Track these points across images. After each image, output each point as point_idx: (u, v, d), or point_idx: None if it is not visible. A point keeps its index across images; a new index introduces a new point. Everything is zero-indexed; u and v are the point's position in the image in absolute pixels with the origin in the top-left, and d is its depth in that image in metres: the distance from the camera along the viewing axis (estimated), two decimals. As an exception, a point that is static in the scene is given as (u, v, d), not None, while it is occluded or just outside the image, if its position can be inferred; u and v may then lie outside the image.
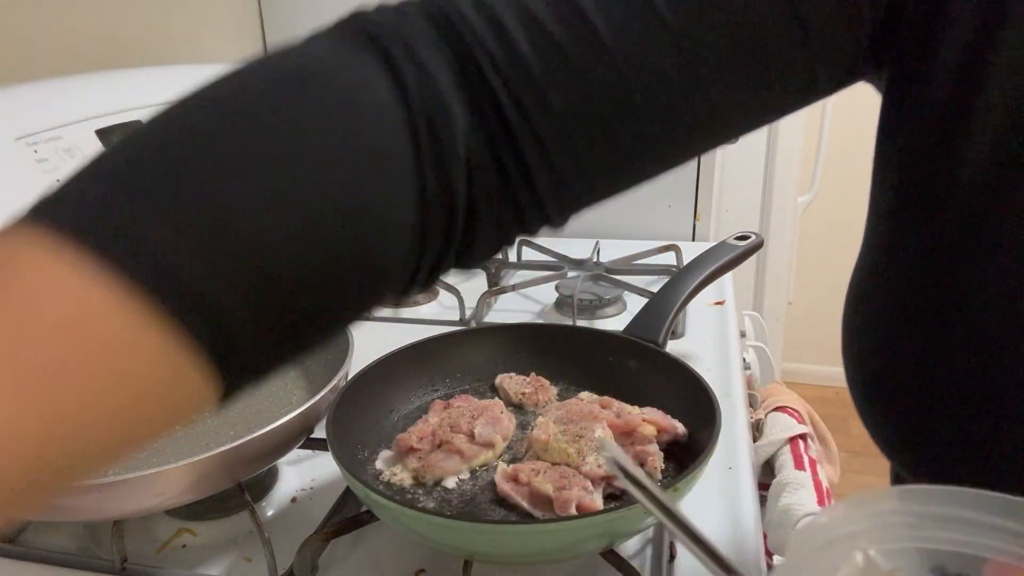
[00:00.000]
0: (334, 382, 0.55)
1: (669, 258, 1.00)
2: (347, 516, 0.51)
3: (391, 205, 0.29)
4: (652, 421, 0.55)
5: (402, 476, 0.53)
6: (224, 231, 0.25)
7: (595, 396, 0.60)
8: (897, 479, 0.46)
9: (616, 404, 0.57)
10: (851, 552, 0.28)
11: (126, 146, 0.26)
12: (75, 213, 0.24)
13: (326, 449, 0.50)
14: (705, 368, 0.75)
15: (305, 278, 0.27)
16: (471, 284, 0.96)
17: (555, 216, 0.36)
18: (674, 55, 0.32)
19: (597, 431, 0.52)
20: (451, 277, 0.95)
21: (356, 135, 0.28)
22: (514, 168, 0.32)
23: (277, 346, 0.27)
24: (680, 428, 0.55)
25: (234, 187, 0.25)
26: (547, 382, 0.63)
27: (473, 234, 0.33)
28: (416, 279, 0.32)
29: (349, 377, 0.58)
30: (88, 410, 0.22)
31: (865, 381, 0.41)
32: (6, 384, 0.21)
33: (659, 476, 0.52)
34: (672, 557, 0.51)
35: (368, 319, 0.31)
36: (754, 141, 1.68)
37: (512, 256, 1.04)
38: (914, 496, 0.29)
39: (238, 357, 0.26)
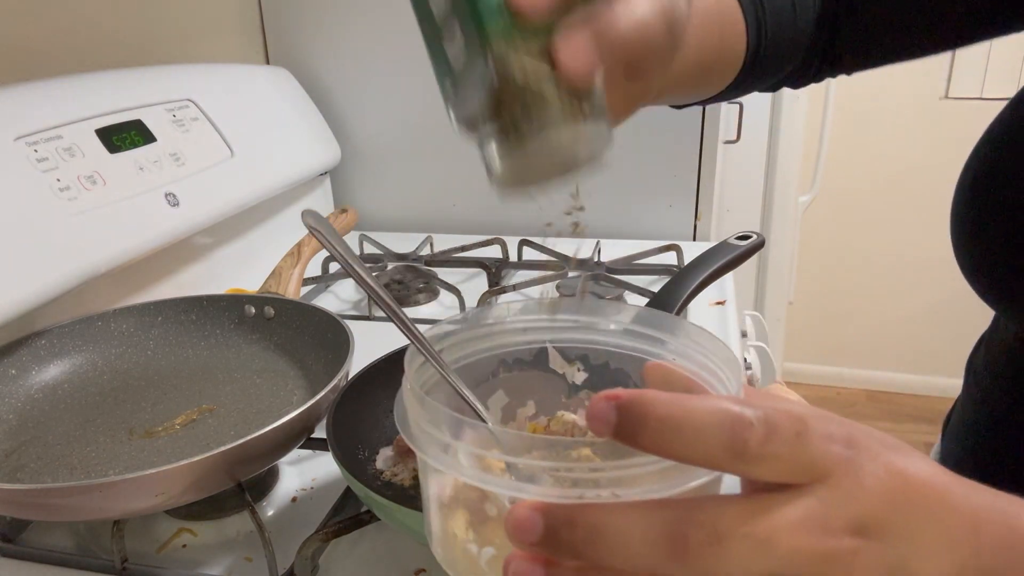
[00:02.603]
0: (334, 382, 0.55)
1: (670, 258, 1.00)
2: (347, 516, 0.51)
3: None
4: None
5: (402, 476, 0.53)
6: None
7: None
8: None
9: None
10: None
11: None
12: None
13: (326, 449, 0.50)
14: (706, 368, 0.74)
15: None
16: (471, 284, 0.96)
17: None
18: None
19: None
20: (452, 276, 0.95)
21: None
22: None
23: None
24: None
25: None
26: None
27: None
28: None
29: (349, 377, 0.58)
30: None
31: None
32: None
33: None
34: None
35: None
36: (755, 140, 1.68)
37: (513, 255, 1.04)
38: (581, 308, 0.40)
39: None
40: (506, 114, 0.29)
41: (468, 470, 0.30)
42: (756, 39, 0.51)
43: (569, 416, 0.42)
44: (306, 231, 0.98)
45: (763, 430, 0.25)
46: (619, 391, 0.25)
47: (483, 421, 0.37)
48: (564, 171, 0.32)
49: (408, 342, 0.37)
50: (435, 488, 0.34)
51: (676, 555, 0.24)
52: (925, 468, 0.27)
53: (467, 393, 0.37)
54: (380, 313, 0.90)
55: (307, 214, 0.38)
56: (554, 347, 0.42)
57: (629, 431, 0.25)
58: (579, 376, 0.43)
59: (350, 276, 0.37)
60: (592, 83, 0.30)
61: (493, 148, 0.30)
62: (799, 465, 0.25)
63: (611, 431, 0.25)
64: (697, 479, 0.28)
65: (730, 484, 0.29)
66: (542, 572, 0.26)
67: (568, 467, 0.27)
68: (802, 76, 0.58)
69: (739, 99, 0.57)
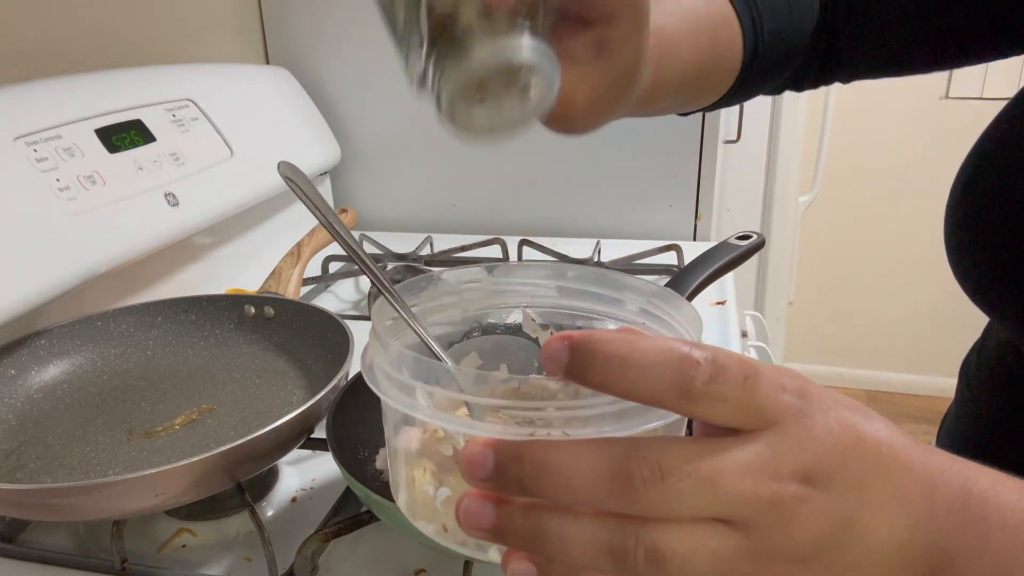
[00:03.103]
0: (334, 382, 0.55)
1: (670, 258, 1.00)
2: (347, 516, 0.51)
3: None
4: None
5: (402, 476, 0.53)
6: None
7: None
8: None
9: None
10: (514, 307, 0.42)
11: None
12: None
13: (326, 449, 0.50)
14: (706, 368, 0.74)
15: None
16: (472, 284, 0.96)
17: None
18: None
19: None
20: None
21: None
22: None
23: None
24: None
25: None
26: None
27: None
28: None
29: (349, 377, 0.58)
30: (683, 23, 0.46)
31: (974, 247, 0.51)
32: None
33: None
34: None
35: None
36: (755, 140, 1.68)
37: (513, 255, 1.04)
38: (554, 272, 0.41)
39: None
40: (440, 45, 0.31)
41: (426, 409, 0.30)
42: (752, 45, 0.51)
43: (541, 379, 0.43)
44: (305, 231, 0.98)
45: (710, 370, 0.25)
46: (572, 332, 0.25)
47: (443, 361, 0.37)
48: (516, 113, 0.34)
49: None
50: (402, 438, 0.34)
51: (620, 491, 0.24)
52: (881, 428, 0.27)
53: (429, 339, 0.37)
54: (380, 313, 0.90)
55: (283, 165, 0.38)
56: (528, 311, 0.42)
57: (579, 369, 0.25)
58: None
59: (325, 229, 0.37)
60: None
61: (437, 84, 0.32)
62: (747, 409, 0.25)
63: (563, 369, 0.25)
64: (650, 422, 0.28)
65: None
66: (492, 508, 0.26)
67: (522, 406, 0.28)
68: (801, 81, 0.58)
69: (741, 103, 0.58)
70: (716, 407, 0.25)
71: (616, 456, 0.25)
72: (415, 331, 0.37)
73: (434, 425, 0.33)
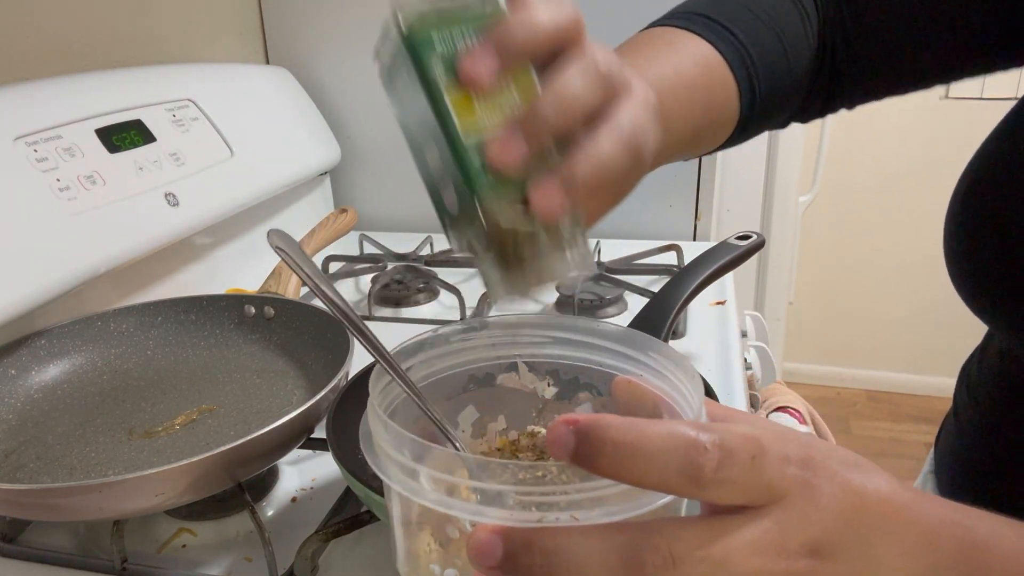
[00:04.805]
0: (334, 382, 0.55)
1: (670, 258, 1.00)
2: (347, 516, 0.51)
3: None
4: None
5: (402, 476, 0.53)
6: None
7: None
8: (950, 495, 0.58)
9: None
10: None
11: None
12: (687, 22, 0.50)
13: (326, 449, 0.50)
14: (706, 368, 0.74)
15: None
16: (471, 284, 0.96)
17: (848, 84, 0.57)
18: None
19: None
20: (452, 276, 0.95)
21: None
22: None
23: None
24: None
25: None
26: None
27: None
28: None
29: (349, 377, 0.58)
30: (685, 91, 0.47)
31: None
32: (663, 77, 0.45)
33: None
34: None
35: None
36: (755, 141, 1.68)
37: (513, 256, 1.04)
38: (549, 324, 0.42)
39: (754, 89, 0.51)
40: (498, 249, 0.34)
41: (430, 494, 0.30)
42: (749, 98, 0.51)
43: (539, 430, 0.43)
44: (305, 232, 0.98)
45: (718, 455, 0.25)
46: (578, 415, 0.25)
47: (449, 439, 0.38)
48: (553, 282, 0.37)
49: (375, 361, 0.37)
50: (399, 509, 0.34)
51: None
52: (883, 485, 0.28)
53: (434, 413, 0.38)
54: (380, 313, 0.90)
55: (273, 234, 0.38)
56: (524, 362, 0.42)
57: (586, 456, 0.25)
58: (549, 391, 0.43)
59: (317, 297, 0.38)
60: (564, 221, 0.34)
61: (490, 274, 0.35)
62: (755, 488, 0.26)
63: (569, 455, 0.25)
64: (658, 500, 0.28)
65: (693, 504, 0.29)
66: None
67: (529, 491, 0.27)
68: (804, 115, 0.58)
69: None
70: (725, 490, 0.25)
71: (627, 544, 0.25)
72: (420, 407, 0.37)
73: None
